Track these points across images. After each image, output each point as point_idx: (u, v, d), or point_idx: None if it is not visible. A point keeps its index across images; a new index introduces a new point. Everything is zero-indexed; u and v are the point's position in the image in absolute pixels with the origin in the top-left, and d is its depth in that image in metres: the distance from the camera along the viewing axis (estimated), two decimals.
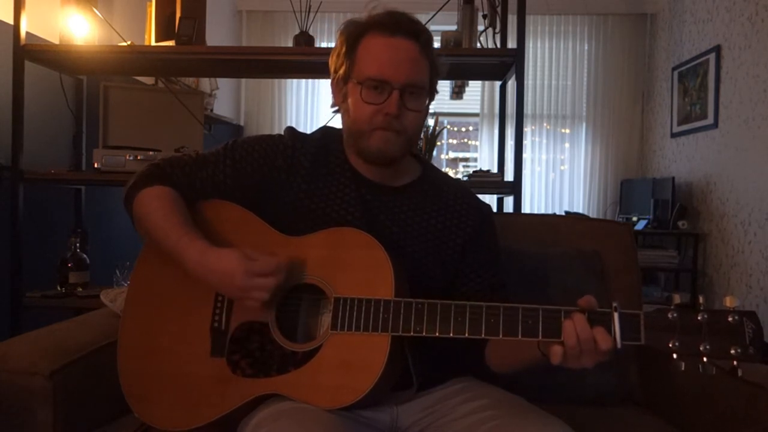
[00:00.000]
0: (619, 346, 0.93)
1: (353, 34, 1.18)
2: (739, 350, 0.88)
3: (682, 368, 0.90)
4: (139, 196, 1.19)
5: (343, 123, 1.24)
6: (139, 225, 1.20)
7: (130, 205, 1.21)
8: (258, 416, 1.04)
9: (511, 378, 1.20)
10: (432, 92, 1.22)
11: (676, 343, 0.91)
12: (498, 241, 1.32)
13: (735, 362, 0.89)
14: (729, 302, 0.90)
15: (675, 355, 0.91)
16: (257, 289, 1.05)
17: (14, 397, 1.16)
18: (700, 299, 0.93)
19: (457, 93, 3.49)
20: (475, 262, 1.25)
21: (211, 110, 4.10)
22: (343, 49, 1.19)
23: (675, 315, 0.91)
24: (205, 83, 4.06)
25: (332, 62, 1.23)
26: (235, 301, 1.13)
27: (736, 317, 0.89)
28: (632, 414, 1.44)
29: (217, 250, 1.10)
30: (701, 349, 0.89)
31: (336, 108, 1.26)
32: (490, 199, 3.45)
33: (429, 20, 2.99)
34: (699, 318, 0.90)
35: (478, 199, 1.32)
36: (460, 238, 1.25)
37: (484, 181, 2.52)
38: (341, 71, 1.20)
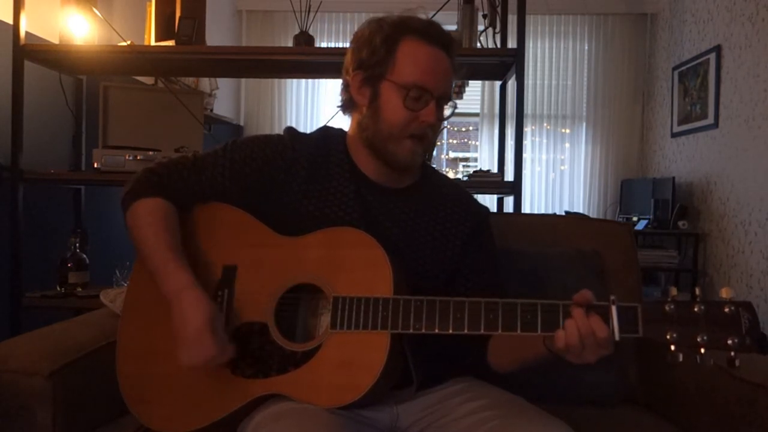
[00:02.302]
0: (617, 338, 0.93)
1: (391, 34, 1.16)
2: (736, 340, 0.89)
3: (680, 360, 0.90)
4: (133, 208, 1.18)
5: (364, 122, 1.20)
6: (129, 235, 1.20)
7: (125, 213, 1.21)
8: (258, 417, 1.04)
9: (512, 377, 1.20)
10: None
11: (674, 335, 0.91)
12: (495, 243, 1.32)
13: (732, 353, 0.89)
14: (725, 293, 0.91)
15: (673, 347, 0.91)
16: (189, 353, 1.06)
17: (14, 397, 1.16)
18: (697, 291, 0.94)
19: (457, 93, 3.49)
20: (473, 263, 1.25)
21: (211, 110, 4.09)
22: (382, 49, 1.16)
23: (672, 307, 0.92)
24: (205, 83, 4.05)
25: (357, 57, 1.19)
26: (234, 302, 1.13)
27: (733, 308, 0.90)
28: (632, 414, 1.44)
29: (193, 295, 1.08)
30: (698, 340, 0.90)
31: (342, 106, 1.25)
32: (490, 199, 3.46)
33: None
34: (696, 309, 0.91)
35: (476, 201, 1.33)
36: (459, 239, 1.25)
37: (484, 181, 2.52)
38: (370, 72, 1.17)
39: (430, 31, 1.17)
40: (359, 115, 1.22)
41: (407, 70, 1.15)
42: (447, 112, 1.21)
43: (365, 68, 1.18)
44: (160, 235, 1.14)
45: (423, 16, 1.19)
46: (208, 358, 1.05)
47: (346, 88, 1.23)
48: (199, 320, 1.05)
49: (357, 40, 1.20)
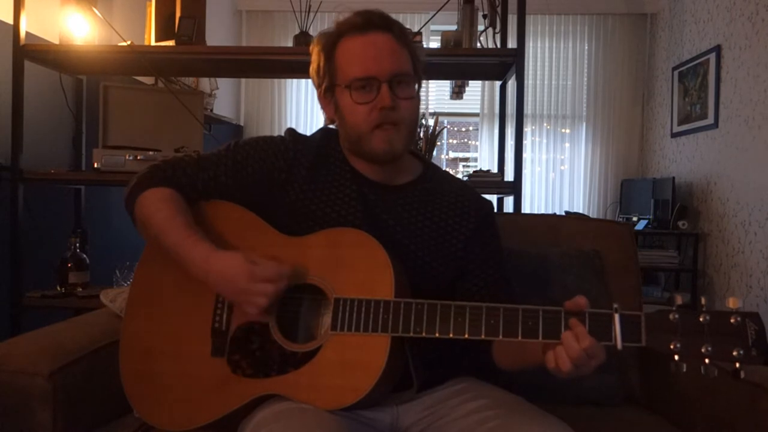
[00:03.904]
0: (619, 348, 0.92)
1: (328, 44, 1.19)
2: (741, 352, 0.87)
3: (684, 370, 0.89)
4: (141, 198, 1.19)
5: (341, 131, 1.24)
6: (141, 226, 1.20)
7: (131, 207, 1.21)
8: (258, 416, 1.04)
9: (512, 378, 1.19)
10: (419, 78, 1.21)
11: (678, 345, 0.90)
12: (500, 237, 1.32)
13: (737, 364, 0.88)
14: (731, 303, 0.89)
15: (677, 357, 0.90)
16: (257, 294, 1.05)
17: (14, 397, 1.16)
18: (702, 300, 0.92)
19: (457, 93, 3.49)
20: (478, 258, 1.25)
21: (211, 110, 4.09)
22: (322, 61, 1.20)
23: (676, 316, 0.91)
24: (205, 83, 4.05)
25: (314, 77, 1.24)
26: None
27: (739, 319, 0.89)
28: (632, 414, 1.44)
29: (220, 252, 1.09)
30: (703, 351, 0.89)
31: (332, 121, 1.27)
32: (490, 199, 3.46)
33: (429, 20, 3.00)
34: (701, 319, 0.90)
35: (479, 196, 1.32)
36: (463, 234, 1.25)
37: (484, 181, 2.52)
38: (325, 83, 1.20)
39: (360, 22, 1.16)
40: (338, 127, 1.25)
41: (346, 68, 1.16)
42: (415, 87, 1.19)
43: (321, 84, 1.22)
44: (174, 217, 1.15)
45: (365, 8, 1.18)
46: (276, 286, 1.05)
47: (319, 102, 1.26)
48: (239, 268, 1.05)
49: (311, 60, 1.23)
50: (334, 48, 1.18)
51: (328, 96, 1.22)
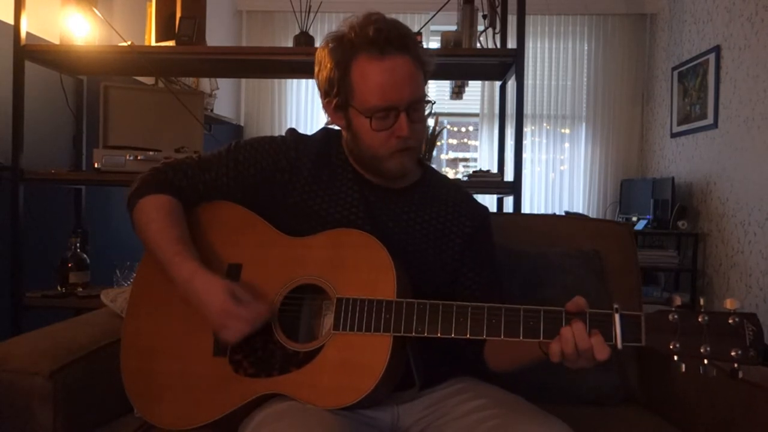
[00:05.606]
0: (619, 347, 0.93)
1: (342, 59, 1.14)
2: (739, 352, 0.88)
3: (683, 370, 0.90)
4: (140, 204, 1.19)
5: (349, 144, 1.23)
6: (137, 232, 1.21)
7: (131, 211, 1.21)
8: (259, 416, 1.04)
9: (511, 377, 1.20)
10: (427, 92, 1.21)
11: (677, 345, 0.91)
12: (494, 241, 1.33)
13: (735, 364, 0.89)
14: (730, 304, 0.90)
15: (676, 357, 0.91)
16: (229, 330, 1.06)
17: (14, 397, 1.16)
18: (701, 301, 0.93)
19: (457, 93, 3.49)
20: (472, 261, 1.26)
21: (211, 110, 4.09)
22: (335, 75, 1.15)
23: (676, 317, 0.92)
24: (205, 83, 4.05)
25: (322, 86, 1.19)
26: None
27: (737, 319, 0.89)
28: (632, 414, 1.44)
29: (206, 276, 1.09)
30: (702, 351, 0.89)
31: (328, 123, 1.26)
32: (490, 199, 3.47)
33: (429, 20, 3.00)
34: (700, 320, 0.91)
35: (476, 201, 1.33)
36: (459, 238, 1.25)
37: (484, 181, 2.52)
38: (337, 99, 1.17)
39: (377, 40, 1.11)
40: (344, 135, 1.24)
41: (365, 95, 1.13)
42: (426, 110, 1.19)
43: (332, 96, 1.17)
44: (167, 230, 1.15)
45: (378, 18, 1.14)
46: (247, 326, 1.06)
47: (324, 110, 1.22)
48: (218, 298, 1.06)
49: (317, 63, 1.19)
50: (349, 65, 1.13)
51: (339, 110, 1.18)
